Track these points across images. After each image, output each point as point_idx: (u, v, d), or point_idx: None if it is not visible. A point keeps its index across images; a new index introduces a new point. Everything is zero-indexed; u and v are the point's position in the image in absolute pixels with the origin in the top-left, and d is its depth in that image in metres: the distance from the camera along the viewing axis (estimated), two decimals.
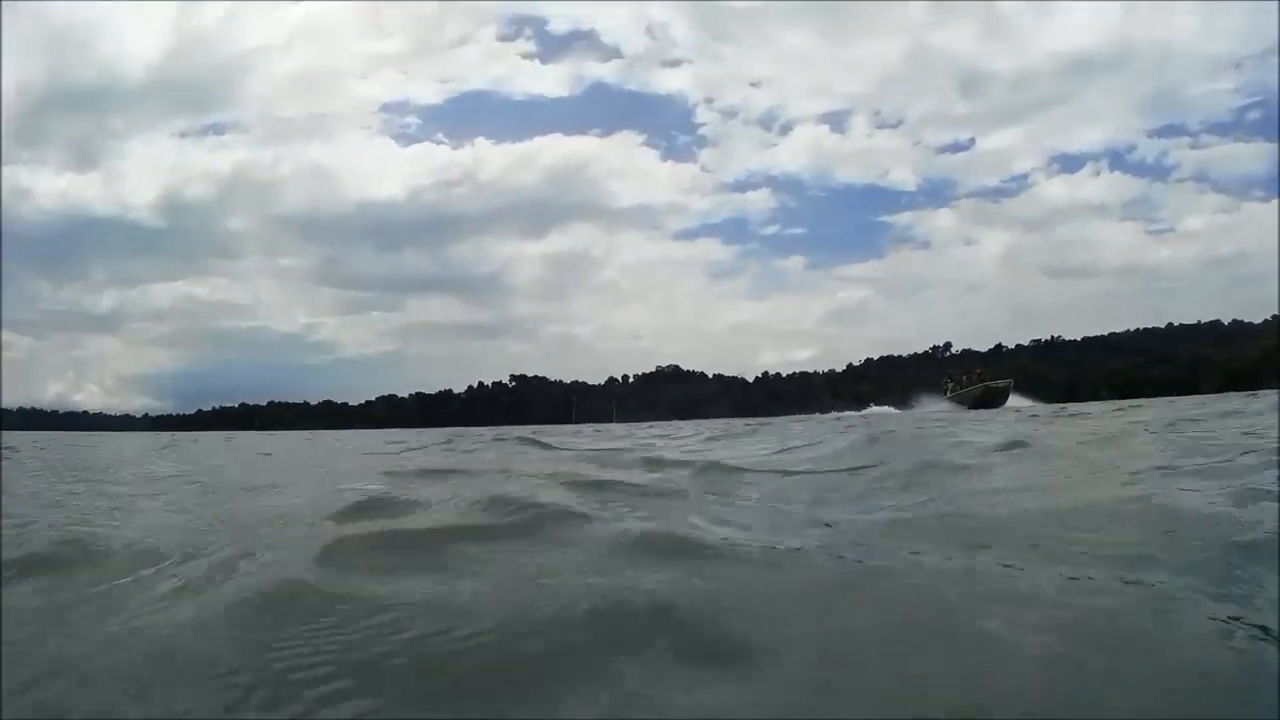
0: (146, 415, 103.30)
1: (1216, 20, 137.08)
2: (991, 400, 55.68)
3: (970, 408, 47.80)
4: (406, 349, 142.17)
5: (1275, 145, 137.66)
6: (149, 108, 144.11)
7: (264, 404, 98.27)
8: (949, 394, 60.78)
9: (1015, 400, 57.47)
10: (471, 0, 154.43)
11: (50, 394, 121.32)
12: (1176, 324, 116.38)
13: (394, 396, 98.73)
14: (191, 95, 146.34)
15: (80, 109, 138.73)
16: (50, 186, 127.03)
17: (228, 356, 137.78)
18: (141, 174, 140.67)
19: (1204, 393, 53.08)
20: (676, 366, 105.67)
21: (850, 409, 67.48)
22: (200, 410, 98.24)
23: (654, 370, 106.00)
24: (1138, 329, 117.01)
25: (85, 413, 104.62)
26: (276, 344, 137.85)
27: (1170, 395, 52.43)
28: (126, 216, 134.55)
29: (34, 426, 68.97)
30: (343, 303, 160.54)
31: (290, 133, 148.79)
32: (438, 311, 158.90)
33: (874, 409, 57.38)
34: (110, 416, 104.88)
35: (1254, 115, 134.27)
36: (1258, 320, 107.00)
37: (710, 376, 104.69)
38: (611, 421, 64.29)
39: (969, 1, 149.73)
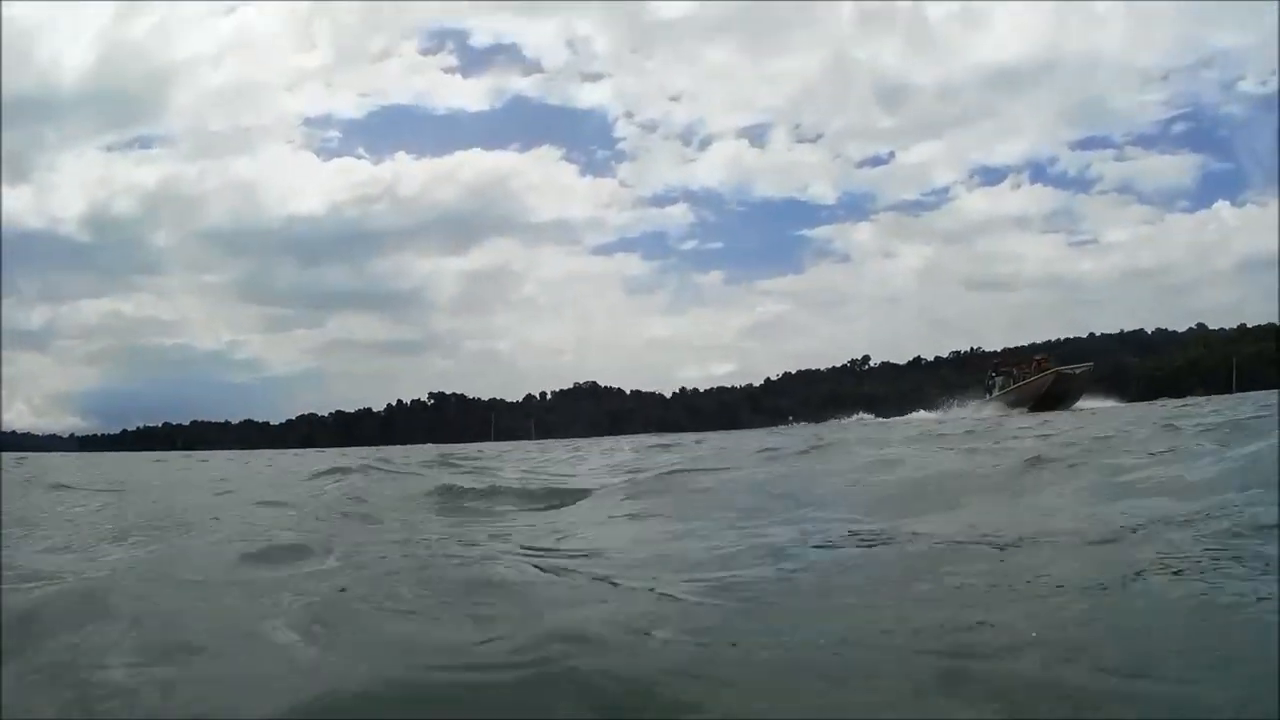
0: (73, 435, 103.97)
1: (1145, 32, 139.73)
2: (1061, 395, 42.23)
3: (1030, 408, 36.87)
4: (328, 366, 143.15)
5: (1200, 157, 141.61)
6: (80, 119, 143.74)
7: (187, 424, 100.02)
8: (996, 392, 47.05)
9: (1088, 401, 43.30)
10: (397, 7, 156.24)
11: None
12: (1099, 334, 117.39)
13: (314, 415, 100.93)
14: (121, 107, 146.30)
15: (19, 119, 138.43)
16: None
17: (153, 375, 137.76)
18: (70, 187, 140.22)
19: (1130, 399, 50.55)
20: (594, 383, 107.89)
21: (781, 423, 67.34)
22: (125, 430, 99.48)
23: (572, 387, 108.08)
24: (1060, 339, 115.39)
25: (13, 432, 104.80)
26: (200, 362, 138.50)
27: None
28: (56, 230, 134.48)
29: None
30: (266, 320, 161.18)
31: (216, 146, 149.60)
32: (358, 328, 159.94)
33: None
34: (37, 437, 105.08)
35: (1179, 127, 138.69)
36: (1181, 329, 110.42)
37: (628, 393, 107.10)
38: (530, 439, 66.78)
39: (895, 14, 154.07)
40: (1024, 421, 19.44)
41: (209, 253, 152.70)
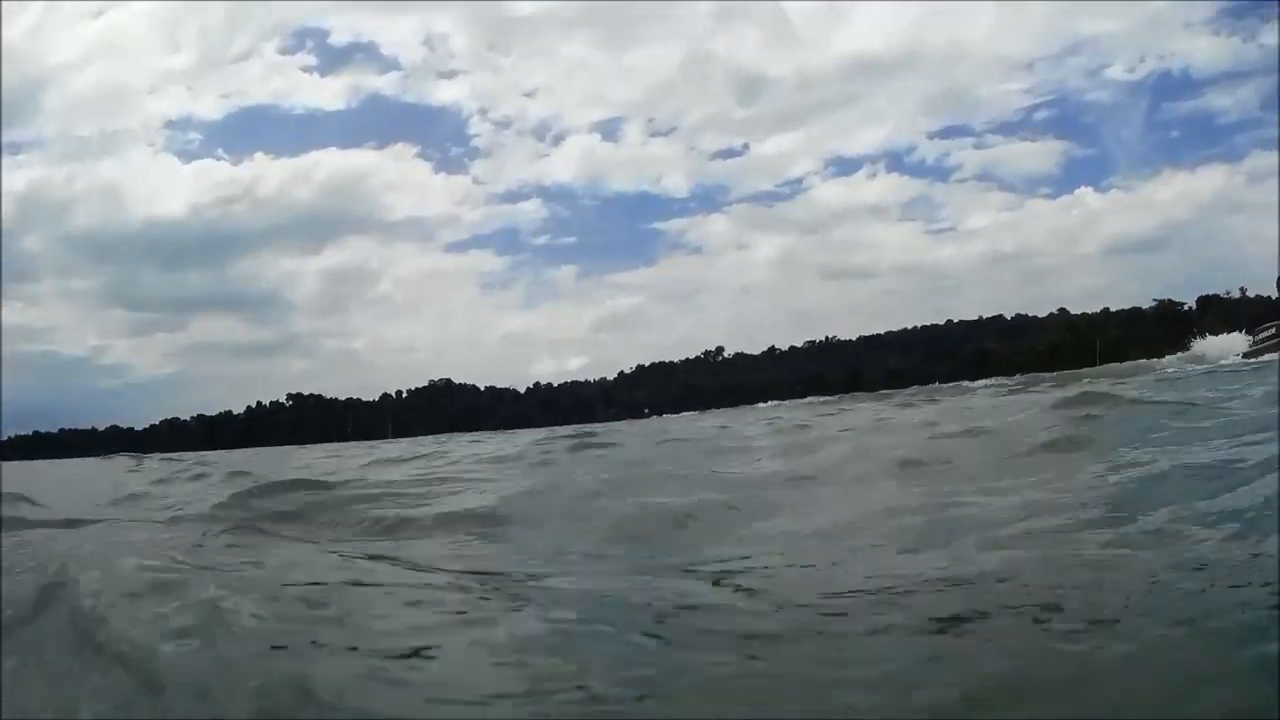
0: None
1: (1009, 20, 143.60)
2: None
3: None
4: (190, 369, 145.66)
5: (1064, 143, 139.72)
6: None
7: (56, 431, 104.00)
8: None
9: None
10: (261, 7, 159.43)
11: None
12: (957, 320, 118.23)
13: (177, 419, 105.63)
14: None
15: None
16: None
17: (21, 382, 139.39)
18: None
19: None
20: (449, 380, 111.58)
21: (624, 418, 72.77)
22: None
23: (426, 384, 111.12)
24: (918, 326, 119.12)
25: None
26: (67, 368, 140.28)
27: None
28: None
29: None
30: (129, 324, 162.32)
31: (83, 150, 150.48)
32: (219, 330, 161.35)
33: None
34: None
35: (1043, 114, 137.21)
36: (1043, 314, 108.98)
37: (483, 389, 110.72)
38: (387, 438, 72.55)
39: (751, 8, 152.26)
40: None
41: (76, 258, 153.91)
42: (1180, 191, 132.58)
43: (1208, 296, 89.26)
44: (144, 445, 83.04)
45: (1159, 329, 79.18)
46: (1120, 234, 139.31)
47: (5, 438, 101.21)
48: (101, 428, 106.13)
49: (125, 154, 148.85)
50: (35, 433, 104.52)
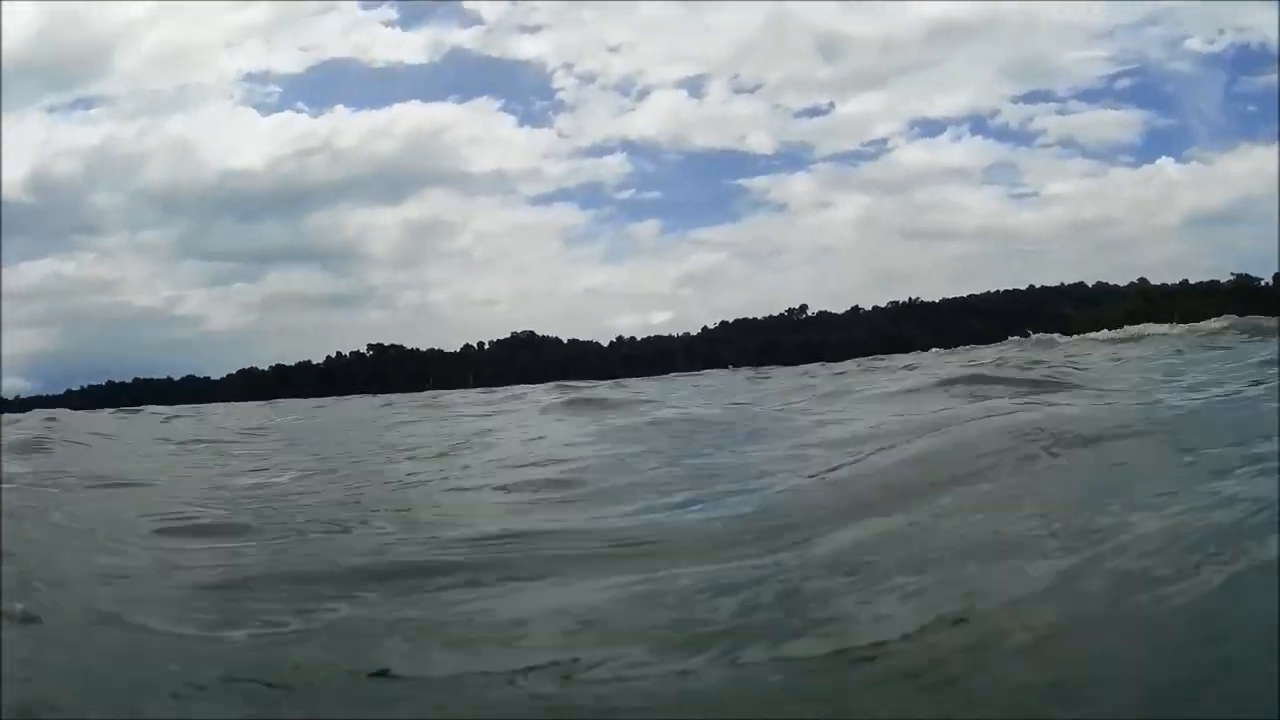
0: (18, 398, 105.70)
1: None
2: None
3: None
4: (267, 320, 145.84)
5: (1144, 113, 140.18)
6: (24, 84, 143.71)
7: (129, 381, 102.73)
8: None
9: None
10: None
11: None
12: (1039, 286, 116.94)
13: (254, 369, 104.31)
14: (63, 70, 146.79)
15: None
16: None
17: (93, 334, 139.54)
18: (14, 151, 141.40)
19: None
20: (531, 333, 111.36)
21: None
22: (69, 390, 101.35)
23: (509, 336, 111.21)
24: (999, 291, 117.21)
25: None
26: (140, 319, 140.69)
27: None
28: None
29: None
30: (205, 275, 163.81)
31: (156, 105, 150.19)
32: (297, 281, 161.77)
33: None
34: None
35: (1125, 83, 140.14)
36: (1123, 283, 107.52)
37: (565, 341, 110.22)
38: (468, 388, 69.77)
39: None
40: None
41: (149, 211, 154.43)
42: (1256, 166, 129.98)
43: None
44: (219, 395, 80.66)
45: (1236, 303, 78.32)
46: (1198, 206, 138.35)
47: (78, 388, 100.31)
48: (177, 377, 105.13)
49: (201, 108, 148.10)
50: (109, 382, 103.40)
